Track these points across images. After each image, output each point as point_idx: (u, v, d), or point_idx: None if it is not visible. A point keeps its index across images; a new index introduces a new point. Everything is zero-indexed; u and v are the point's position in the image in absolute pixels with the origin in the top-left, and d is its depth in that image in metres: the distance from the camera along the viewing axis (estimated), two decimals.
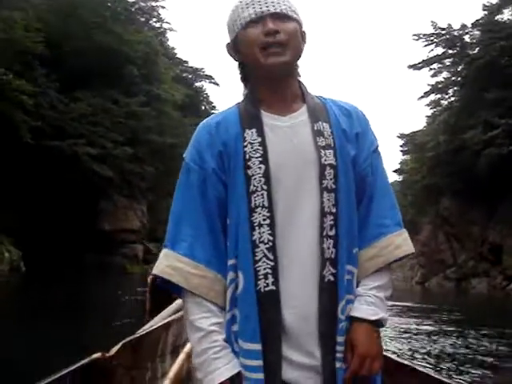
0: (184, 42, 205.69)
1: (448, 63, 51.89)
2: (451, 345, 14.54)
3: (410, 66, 53.17)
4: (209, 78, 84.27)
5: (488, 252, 42.16)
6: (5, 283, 29.37)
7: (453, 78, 51.71)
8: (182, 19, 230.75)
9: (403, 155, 70.45)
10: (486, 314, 23.91)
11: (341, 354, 2.04)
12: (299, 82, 2.28)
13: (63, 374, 2.67)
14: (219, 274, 2.09)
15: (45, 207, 40.53)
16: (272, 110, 2.17)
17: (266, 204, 2.04)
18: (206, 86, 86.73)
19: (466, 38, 50.23)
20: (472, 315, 22.81)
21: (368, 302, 2.10)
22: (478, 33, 48.44)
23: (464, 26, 49.90)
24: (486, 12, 47.15)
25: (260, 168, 2.06)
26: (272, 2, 2.12)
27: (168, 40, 74.44)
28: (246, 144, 2.09)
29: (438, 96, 54.98)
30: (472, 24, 48.65)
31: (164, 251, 2.15)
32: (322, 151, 2.10)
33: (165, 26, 72.18)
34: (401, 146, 67.77)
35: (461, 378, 10.36)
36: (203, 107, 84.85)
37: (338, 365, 2.02)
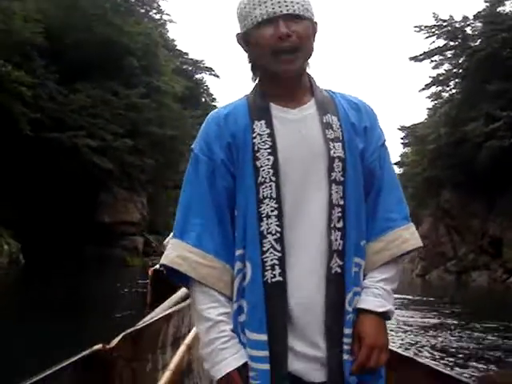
0: (184, 34, 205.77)
1: (449, 55, 51.76)
2: (453, 338, 14.56)
3: (411, 58, 53.02)
4: (209, 70, 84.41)
5: (488, 245, 42.18)
6: (4, 276, 29.44)
7: (454, 70, 51.56)
8: (181, 11, 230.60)
9: (404, 148, 70.60)
10: (486, 307, 23.98)
11: (348, 346, 2.05)
12: (308, 75, 2.28)
13: (64, 366, 2.68)
14: (227, 264, 2.11)
15: (44, 199, 40.49)
16: (281, 103, 2.18)
17: (274, 195, 2.05)
18: (206, 78, 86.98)
19: (468, 30, 50.08)
20: (473, 308, 22.85)
21: (375, 294, 2.11)
22: (479, 25, 48.30)
23: (466, 18, 49.78)
24: (487, 4, 46.98)
25: (268, 159, 2.07)
26: (285, 2, 2.09)
27: (168, 32, 74.50)
28: (254, 135, 2.11)
29: (439, 88, 54.85)
30: (474, 16, 48.51)
31: (172, 241, 2.16)
32: (331, 144, 2.11)
33: (165, 17, 72.41)
34: (401, 139, 67.88)
35: (463, 371, 10.35)
36: (203, 99, 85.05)
37: (345, 357, 2.04)
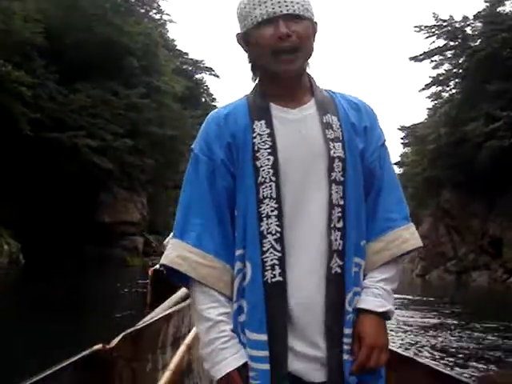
0: (184, 34, 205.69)
1: (449, 55, 51.74)
2: (453, 338, 14.56)
3: (411, 58, 53.00)
4: (209, 70, 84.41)
5: (488, 245, 42.16)
6: (4, 275, 29.45)
7: (454, 70, 51.54)
8: (181, 11, 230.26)
9: (404, 148, 70.59)
10: (487, 307, 23.98)
11: (348, 346, 2.06)
12: (308, 75, 2.28)
13: (64, 366, 2.68)
14: (227, 264, 2.11)
15: (44, 199, 40.46)
16: (281, 103, 2.18)
17: (274, 195, 2.05)
18: (206, 78, 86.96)
19: (468, 30, 50.07)
20: (473, 308, 22.85)
21: (375, 294, 2.12)
22: (479, 25, 48.29)
23: (466, 18, 49.76)
24: (487, 4, 46.93)
25: (268, 160, 2.07)
26: (285, 2, 2.09)
27: (168, 32, 74.49)
28: (254, 135, 2.11)
29: (439, 88, 54.81)
30: (474, 16, 48.50)
31: (173, 241, 2.17)
32: (331, 144, 2.11)
33: (165, 17, 72.30)
34: (401, 139, 67.84)
35: (463, 371, 10.36)
36: (203, 99, 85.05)
37: (345, 357, 2.04)
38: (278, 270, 2.02)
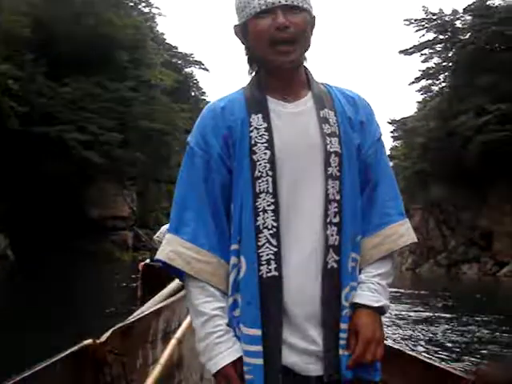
0: (173, 28, 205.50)
1: (439, 48, 52.15)
2: (445, 332, 14.60)
3: (401, 52, 53.34)
4: (198, 63, 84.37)
5: (479, 238, 42.40)
6: None
7: (444, 64, 51.91)
8: (171, 4, 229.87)
9: (394, 141, 70.77)
10: (477, 301, 24.03)
11: (344, 340, 2.05)
12: (305, 68, 2.26)
13: (54, 361, 2.65)
14: (222, 258, 2.09)
15: (33, 194, 40.31)
16: (278, 96, 2.16)
17: (270, 190, 2.04)
18: (195, 71, 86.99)
19: (458, 24, 50.50)
20: (464, 301, 22.91)
21: (371, 289, 2.11)
22: (469, 18, 48.64)
23: (455, 12, 50.14)
24: None
25: (265, 154, 2.05)
26: None
27: (157, 25, 74.44)
28: (251, 129, 2.09)
29: (429, 82, 55.26)
30: (463, 9, 48.88)
31: (168, 236, 2.15)
32: (328, 138, 2.09)
33: (154, 10, 72.02)
34: (391, 132, 68.07)
35: (454, 364, 10.35)
36: (193, 93, 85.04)
37: (341, 351, 2.03)
38: (273, 265, 2.01)
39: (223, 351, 2.01)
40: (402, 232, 2.21)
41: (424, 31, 51.56)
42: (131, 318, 4.08)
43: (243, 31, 2.17)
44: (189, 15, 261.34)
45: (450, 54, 50.51)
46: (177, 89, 64.64)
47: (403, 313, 17.52)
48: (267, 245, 2.02)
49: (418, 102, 60.81)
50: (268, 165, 2.04)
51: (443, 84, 53.32)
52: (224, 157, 2.11)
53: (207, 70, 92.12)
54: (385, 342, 2.14)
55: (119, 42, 48.97)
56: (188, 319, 5.16)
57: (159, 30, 75.21)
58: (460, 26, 50.15)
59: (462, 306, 20.35)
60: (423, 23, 51.27)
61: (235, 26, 2.21)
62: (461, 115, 41.92)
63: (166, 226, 12.75)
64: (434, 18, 50.72)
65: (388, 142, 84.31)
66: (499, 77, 39.75)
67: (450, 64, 50.32)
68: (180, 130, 58.45)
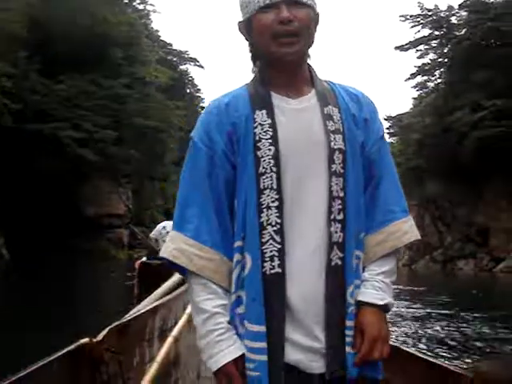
0: (168, 24, 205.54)
1: (434, 44, 52.28)
2: (441, 328, 14.64)
3: (397, 48, 53.45)
4: (193, 60, 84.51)
5: (475, 234, 42.49)
6: None
7: (439, 60, 52.07)
8: (165, 1, 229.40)
9: (389, 137, 70.91)
10: (474, 297, 24.06)
11: (351, 338, 2.05)
12: (309, 65, 2.27)
13: (51, 360, 2.62)
14: (225, 255, 2.09)
15: (27, 192, 40.17)
16: (282, 92, 2.17)
17: (274, 186, 2.04)
18: (190, 68, 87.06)
19: (453, 19, 50.68)
20: (461, 298, 22.92)
21: (375, 287, 2.11)
22: (464, 14, 48.74)
23: (451, 7, 50.27)
24: None
25: (270, 150, 2.06)
26: None
27: (152, 22, 74.27)
28: (255, 125, 2.09)
29: (425, 78, 55.39)
30: (459, 5, 49.04)
31: (171, 233, 2.15)
32: (332, 135, 2.10)
33: (148, 7, 71.92)
34: (387, 129, 68.23)
35: (452, 361, 10.37)
36: (188, 90, 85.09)
37: (348, 349, 2.03)
38: (276, 262, 2.00)
39: (224, 349, 2.01)
40: (406, 229, 2.21)
41: (419, 27, 51.73)
42: (128, 317, 4.08)
43: (247, 27, 2.18)
44: (184, 12, 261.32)
45: (445, 50, 50.64)
46: (172, 86, 64.69)
47: (400, 309, 17.52)
48: (271, 241, 2.01)
49: (414, 99, 61.10)
50: (272, 161, 2.04)
51: (439, 80, 53.50)
52: (228, 153, 2.10)
53: (202, 67, 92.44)
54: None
55: (114, 39, 48.86)
56: (184, 317, 5.16)
57: (154, 27, 75.26)
58: (455, 21, 50.32)
59: (458, 303, 20.37)
60: (419, 19, 51.39)
61: (239, 22, 2.22)
62: (456, 111, 42.01)
63: (162, 224, 12.77)
64: (430, 13, 50.85)
65: None
66: (495, 73, 39.82)
67: (446, 60, 50.45)
68: (175, 127, 58.54)
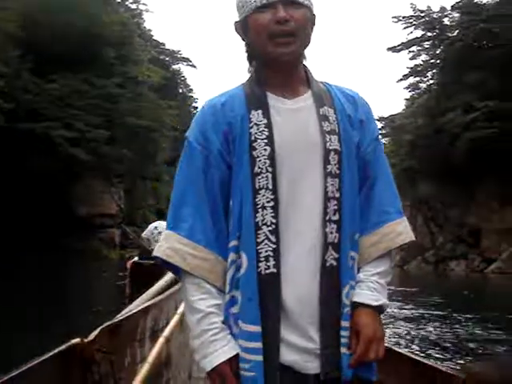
0: (161, 24, 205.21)
1: (427, 46, 52.43)
2: (433, 329, 14.68)
3: (389, 49, 53.56)
4: (186, 60, 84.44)
5: (467, 235, 42.61)
6: None
7: (432, 61, 52.23)
8: (158, 0, 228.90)
9: (382, 138, 70.94)
10: (466, 297, 24.12)
11: (346, 339, 2.05)
12: (304, 66, 2.28)
13: (42, 360, 2.61)
14: (220, 255, 2.10)
15: (19, 192, 40.03)
16: (277, 92, 2.17)
17: (270, 186, 2.04)
18: (183, 68, 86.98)
19: (446, 21, 50.88)
20: (453, 299, 22.96)
21: (370, 288, 2.12)
22: (457, 15, 48.92)
23: (443, 9, 50.46)
24: None
25: (265, 150, 2.06)
26: None
27: (144, 21, 74.23)
28: (251, 125, 2.10)
29: (417, 79, 55.56)
30: (451, 6, 49.20)
31: (165, 232, 2.15)
32: (327, 136, 2.11)
33: (141, 7, 71.80)
34: (379, 129, 68.15)
35: (444, 362, 10.40)
36: (180, 90, 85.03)
37: (343, 350, 2.04)
38: (272, 262, 2.01)
39: (218, 349, 2.01)
40: (400, 230, 2.21)
41: (412, 28, 51.87)
42: (119, 317, 4.06)
43: (243, 27, 2.18)
44: (176, 12, 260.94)
45: (437, 51, 50.80)
46: (164, 86, 64.60)
47: (394, 311, 17.54)
48: (266, 241, 2.01)
49: (406, 100, 61.16)
50: (268, 161, 2.05)
51: (431, 81, 53.67)
52: (224, 153, 2.10)
53: (195, 67, 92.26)
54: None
55: (106, 38, 48.65)
56: (176, 317, 5.15)
57: (146, 27, 75.05)
58: (448, 23, 50.51)
59: (450, 304, 20.42)
60: (411, 20, 51.52)
61: (235, 22, 2.22)
62: (449, 112, 42.13)
63: (153, 224, 12.73)
64: (422, 15, 51.00)
65: None
66: (487, 74, 39.93)
67: (438, 61, 50.62)
68: (167, 126, 58.48)
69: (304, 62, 2.26)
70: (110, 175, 51.27)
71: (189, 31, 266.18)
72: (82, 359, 3.08)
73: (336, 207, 2.07)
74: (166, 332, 4.69)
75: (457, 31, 47.47)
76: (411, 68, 53.91)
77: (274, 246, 2.01)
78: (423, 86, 55.56)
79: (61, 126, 40.58)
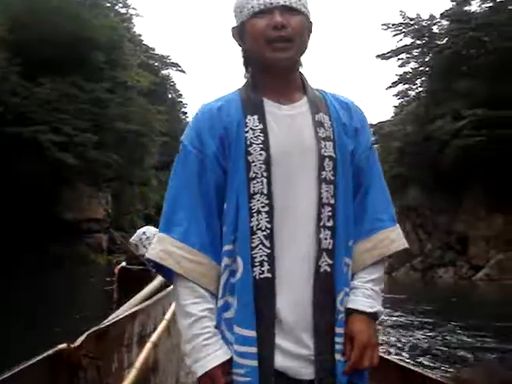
0: (150, 29, 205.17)
1: (416, 53, 52.55)
2: (422, 336, 14.71)
3: (378, 56, 53.56)
4: (175, 65, 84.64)
5: (455, 242, 42.71)
6: None
7: (421, 69, 52.33)
8: (148, 5, 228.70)
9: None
10: (454, 305, 24.16)
11: (340, 345, 2.06)
12: (300, 73, 2.30)
13: (28, 365, 2.60)
14: (213, 259, 2.10)
15: (4, 196, 39.79)
16: (273, 98, 2.19)
17: (265, 191, 2.05)
18: (172, 73, 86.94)
19: (435, 29, 50.98)
20: (441, 306, 22.98)
21: (366, 295, 2.14)
22: (446, 23, 49.11)
23: (432, 17, 50.62)
24: (454, 3, 47.66)
25: (261, 155, 2.07)
26: None
27: (134, 26, 74.11)
28: (247, 130, 2.11)
29: (406, 86, 55.64)
30: (441, 14, 49.33)
31: (159, 235, 2.15)
32: (322, 142, 2.12)
33: (131, 11, 71.85)
34: None
35: (432, 370, 10.40)
36: (170, 95, 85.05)
37: (337, 356, 2.05)
38: (266, 267, 2.01)
39: (211, 353, 2.00)
40: (394, 237, 2.24)
41: (401, 36, 51.92)
42: (106, 322, 4.06)
43: (240, 32, 2.21)
44: (167, 17, 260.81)
45: (426, 59, 50.96)
46: (153, 91, 64.65)
47: (382, 318, 17.51)
48: (260, 246, 2.02)
49: (395, 107, 61.19)
50: (263, 166, 2.05)
51: (420, 89, 53.78)
52: (220, 157, 2.11)
53: (184, 72, 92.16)
54: None
55: (96, 42, 48.58)
56: (164, 323, 5.14)
57: (136, 31, 75.12)
58: (437, 31, 50.64)
59: (439, 311, 20.49)
60: (401, 28, 51.61)
61: (233, 28, 2.25)
62: (437, 120, 42.23)
63: (142, 230, 12.71)
64: (412, 22, 51.11)
65: None
66: (476, 82, 40.06)
67: (427, 69, 50.76)
68: (156, 131, 58.41)
69: (300, 70, 2.27)
70: (98, 180, 51.11)
71: (178, 36, 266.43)
72: (69, 364, 3.06)
73: (330, 213, 2.08)
74: (154, 337, 4.70)
75: (446, 39, 47.61)
76: (400, 75, 54.01)
77: (269, 251, 2.02)
78: (412, 93, 55.70)
79: (49, 129, 40.35)
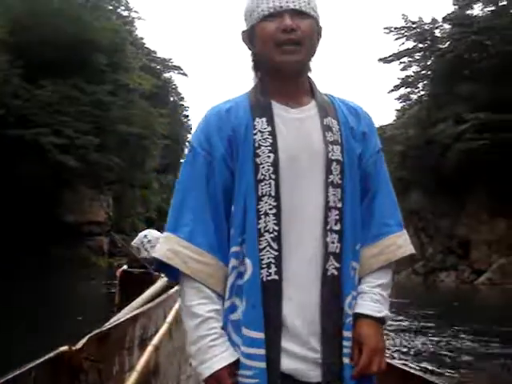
0: (152, 32, 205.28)
1: (418, 57, 52.62)
2: (425, 341, 14.65)
3: (380, 60, 53.62)
4: (177, 68, 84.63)
5: (457, 246, 42.69)
6: None
7: (423, 72, 52.40)
8: (150, 8, 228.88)
9: None
10: (455, 309, 24.14)
11: (348, 349, 2.06)
12: (309, 77, 2.31)
13: (29, 368, 2.60)
14: (220, 260, 2.10)
15: (6, 198, 39.81)
16: (282, 101, 2.19)
17: (273, 193, 2.06)
18: (174, 76, 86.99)
19: (437, 32, 51.01)
20: (443, 310, 22.96)
21: (373, 300, 2.14)
22: (448, 27, 49.14)
23: (435, 20, 50.62)
24: (456, 6, 47.72)
25: (269, 157, 2.08)
26: None
27: (136, 29, 74.12)
28: (255, 132, 2.11)
29: (408, 90, 55.65)
30: (443, 18, 49.39)
31: (165, 235, 2.15)
32: (330, 146, 2.13)
33: (133, 14, 71.87)
34: None
35: (435, 375, 10.37)
36: (172, 98, 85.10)
37: (345, 360, 2.04)
38: (273, 269, 2.01)
39: (218, 354, 1.99)
40: (401, 243, 2.24)
41: (403, 39, 51.98)
42: (108, 325, 4.05)
43: (250, 36, 2.22)
44: (168, 20, 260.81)
45: (428, 63, 51.00)
46: (155, 94, 64.66)
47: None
48: (268, 248, 2.02)
49: (397, 110, 61.22)
50: (271, 168, 2.06)
51: (422, 92, 53.83)
52: (228, 159, 2.12)
53: (186, 75, 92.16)
54: None
55: (98, 45, 48.57)
56: (165, 326, 5.12)
57: (138, 34, 75.08)
58: (439, 34, 50.69)
59: (440, 315, 20.42)
60: (403, 31, 51.65)
61: (243, 31, 2.26)
62: (439, 123, 42.27)
63: (143, 233, 12.70)
64: (414, 26, 51.16)
65: None
66: (478, 86, 40.07)
67: (429, 72, 50.84)
68: (158, 134, 58.44)
69: (309, 74, 2.28)
70: (100, 182, 51.11)
71: (180, 40, 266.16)
72: (70, 367, 3.06)
73: (337, 217, 2.08)
74: (155, 340, 4.69)
75: (448, 43, 47.67)
76: (402, 79, 54.08)
77: (276, 253, 2.02)
78: (414, 96, 55.76)
79: (50, 132, 40.37)
